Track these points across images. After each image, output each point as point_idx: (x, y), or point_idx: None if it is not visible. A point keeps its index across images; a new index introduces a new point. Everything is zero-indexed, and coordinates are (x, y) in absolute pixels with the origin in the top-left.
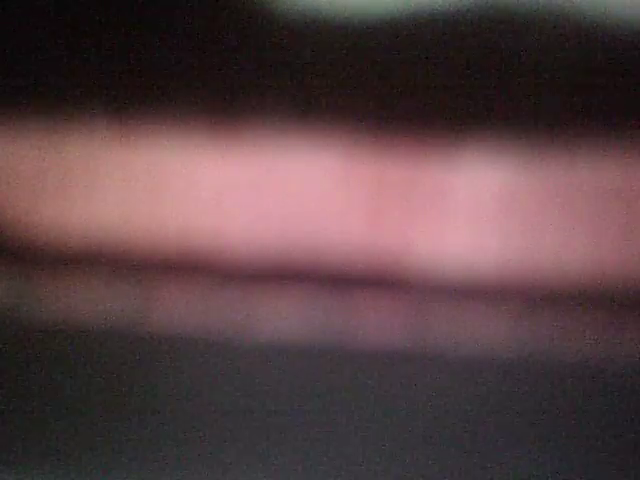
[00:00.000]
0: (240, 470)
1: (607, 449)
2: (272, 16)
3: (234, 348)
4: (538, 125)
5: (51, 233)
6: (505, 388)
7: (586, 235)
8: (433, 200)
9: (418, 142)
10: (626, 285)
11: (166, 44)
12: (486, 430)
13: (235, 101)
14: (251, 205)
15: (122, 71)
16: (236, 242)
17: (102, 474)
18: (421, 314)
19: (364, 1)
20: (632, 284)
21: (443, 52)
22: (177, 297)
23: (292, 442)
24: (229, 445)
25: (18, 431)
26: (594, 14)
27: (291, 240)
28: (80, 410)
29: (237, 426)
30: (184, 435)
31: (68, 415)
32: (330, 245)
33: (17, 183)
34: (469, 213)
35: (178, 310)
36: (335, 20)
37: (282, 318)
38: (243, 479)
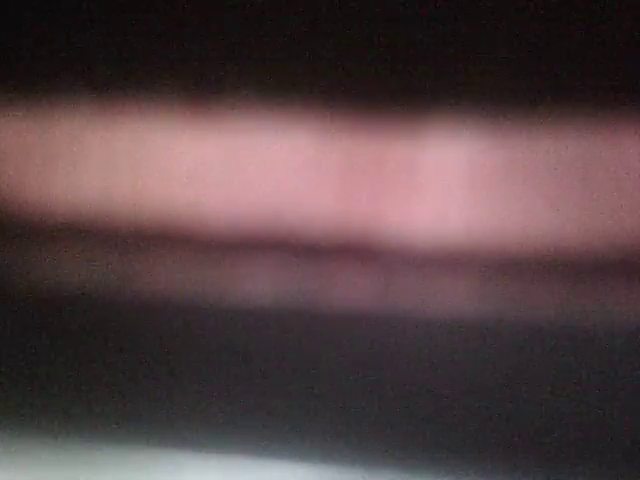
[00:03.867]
0: (218, 430)
1: (571, 404)
2: None
3: (213, 313)
4: (500, 100)
5: (36, 207)
6: (471, 350)
7: (547, 205)
8: (401, 174)
9: (386, 119)
10: (585, 252)
11: (146, 25)
12: (453, 391)
13: (212, 82)
14: (228, 179)
15: (104, 51)
16: (214, 214)
17: (87, 436)
18: (390, 280)
19: None
20: (591, 251)
21: (407, 31)
22: (158, 266)
23: (267, 402)
24: (210, 405)
25: (5, 396)
26: None
27: (266, 212)
28: (66, 376)
29: (216, 387)
30: (166, 396)
31: (54, 381)
32: (303, 217)
33: (2, 159)
34: (436, 186)
35: (159, 278)
36: (305, 3)
37: (258, 284)
38: (222, 439)
